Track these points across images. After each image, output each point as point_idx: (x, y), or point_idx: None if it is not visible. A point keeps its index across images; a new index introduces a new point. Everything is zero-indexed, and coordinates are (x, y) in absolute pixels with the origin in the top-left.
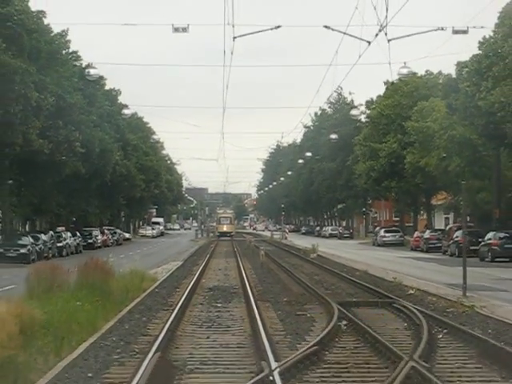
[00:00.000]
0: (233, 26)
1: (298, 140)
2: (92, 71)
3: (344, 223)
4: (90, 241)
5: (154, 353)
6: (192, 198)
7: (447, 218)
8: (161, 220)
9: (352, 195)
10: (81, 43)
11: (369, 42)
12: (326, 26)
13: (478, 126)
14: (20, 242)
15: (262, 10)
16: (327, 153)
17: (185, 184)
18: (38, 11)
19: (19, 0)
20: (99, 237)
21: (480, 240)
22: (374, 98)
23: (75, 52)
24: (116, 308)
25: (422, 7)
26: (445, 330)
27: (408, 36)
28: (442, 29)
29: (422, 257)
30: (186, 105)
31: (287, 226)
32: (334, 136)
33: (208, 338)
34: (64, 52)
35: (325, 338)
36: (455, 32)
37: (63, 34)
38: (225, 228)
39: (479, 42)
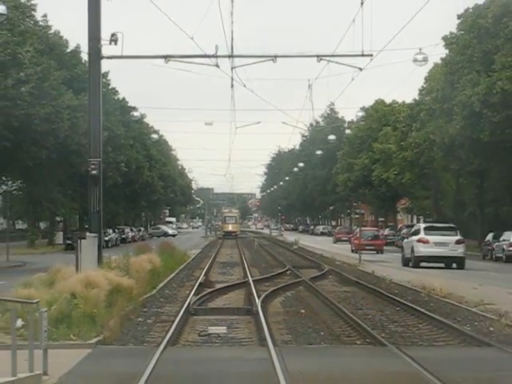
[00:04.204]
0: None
1: (297, 146)
2: (135, 113)
3: (334, 223)
4: (123, 236)
5: (202, 277)
6: (199, 199)
7: (419, 219)
8: (173, 219)
9: (338, 199)
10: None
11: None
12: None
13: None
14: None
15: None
16: (318, 162)
17: (194, 186)
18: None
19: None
20: (130, 233)
21: None
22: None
23: (114, 88)
24: (177, 265)
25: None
26: (335, 275)
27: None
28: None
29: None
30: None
31: (286, 225)
32: (319, 152)
33: (223, 276)
34: (105, 89)
35: (276, 275)
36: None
37: (105, 75)
38: (230, 227)
39: (418, 90)
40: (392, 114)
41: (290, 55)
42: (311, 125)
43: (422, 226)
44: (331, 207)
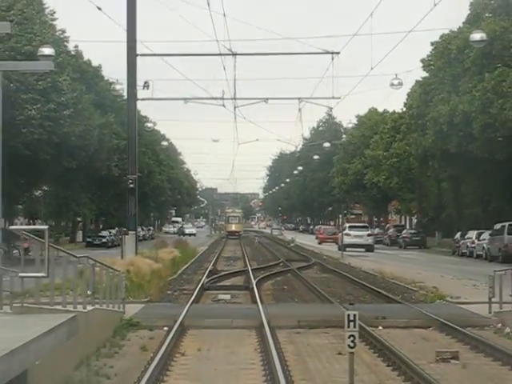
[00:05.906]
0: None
1: (298, 148)
2: (149, 124)
3: (332, 223)
4: None
5: (211, 266)
6: (203, 199)
7: (410, 219)
8: (179, 219)
9: (335, 200)
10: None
11: None
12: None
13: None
14: (101, 234)
15: None
16: (317, 165)
17: (198, 187)
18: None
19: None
20: (141, 232)
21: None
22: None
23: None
24: (190, 258)
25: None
26: (319, 265)
27: None
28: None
29: None
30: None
31: (288, 225)
32: (316, 157)
33: (228, 266)
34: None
35: (271, 265)
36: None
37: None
38: (233, 227)
39: (403, 103)
40: (383, 122)
41: (278, 97)
42: (313, 128)
43: (347, 225)
44: (330, 208)
